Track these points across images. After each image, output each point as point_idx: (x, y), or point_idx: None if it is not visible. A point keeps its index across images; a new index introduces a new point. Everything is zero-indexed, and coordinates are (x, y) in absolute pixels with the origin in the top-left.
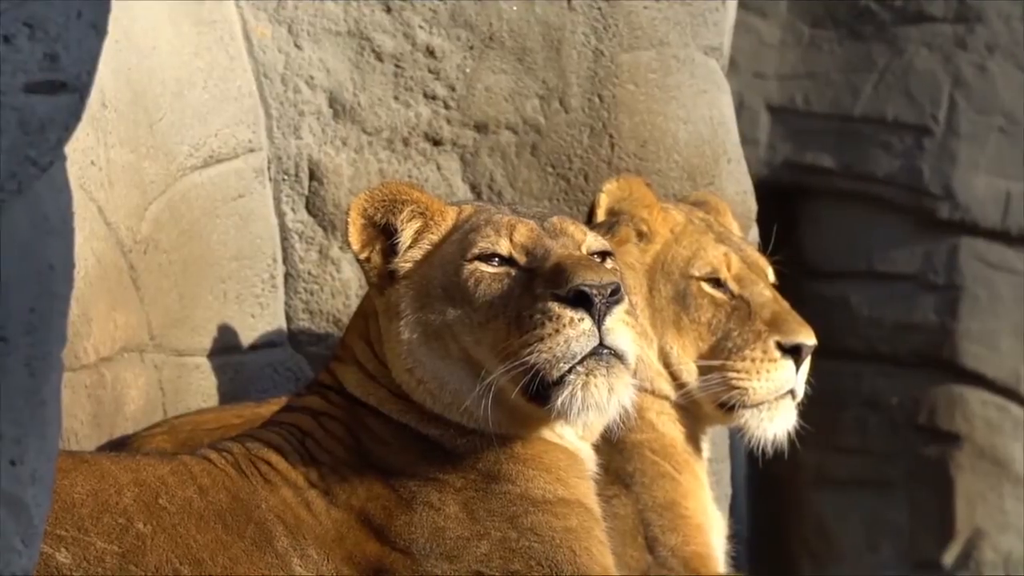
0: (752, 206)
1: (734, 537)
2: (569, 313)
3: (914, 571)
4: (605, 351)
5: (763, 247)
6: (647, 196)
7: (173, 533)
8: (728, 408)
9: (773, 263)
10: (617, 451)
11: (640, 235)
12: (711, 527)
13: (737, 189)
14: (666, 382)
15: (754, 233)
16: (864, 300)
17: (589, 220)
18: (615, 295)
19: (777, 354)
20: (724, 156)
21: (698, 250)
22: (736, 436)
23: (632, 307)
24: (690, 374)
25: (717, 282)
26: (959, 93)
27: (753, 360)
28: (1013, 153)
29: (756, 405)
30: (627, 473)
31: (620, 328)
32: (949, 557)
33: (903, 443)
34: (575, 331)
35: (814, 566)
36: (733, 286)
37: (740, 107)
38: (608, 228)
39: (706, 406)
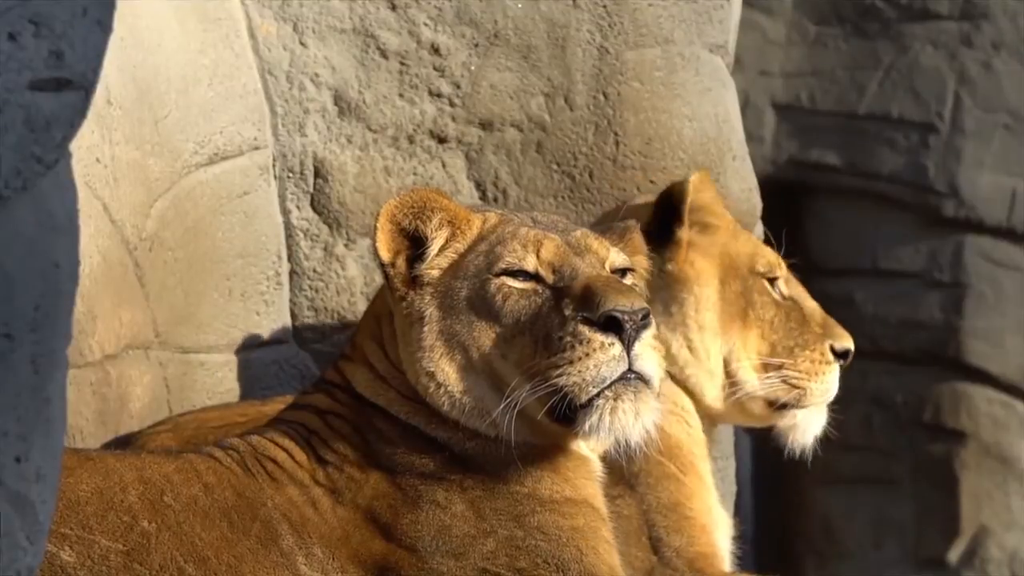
0: (757, 203)
1: (740, 538)
2: (600, 338)
3: (919, 569)
4: (633, 376)
5: (768, 245)
6: (713, 188)
7: (178, 531)
8: (778, 408)
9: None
10: None
11: (704, 227)
12: (716, 528)
13: (742, 186)
14: (714, 385)
15: (759, 231)
16: (869, 298)
17: (675, 214)
18: (645, 320)
19: (831, 357)
20: (729, 153)
21: (756, 247)
22: (740, 433)
23: (657, 331)
24: (746, 373)
25: (773, 281)
26: (964, 90)
27: (813, 362)
28: (1018, 150)
29: (807, 407)
30: (632, 473)
31: (648, 353)
32: (954, 555)
33: (908, 441)
34: (605, 356)
35: (819, 564)
36: (783, 287)
37: (745, 105)
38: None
39: (755, 406)
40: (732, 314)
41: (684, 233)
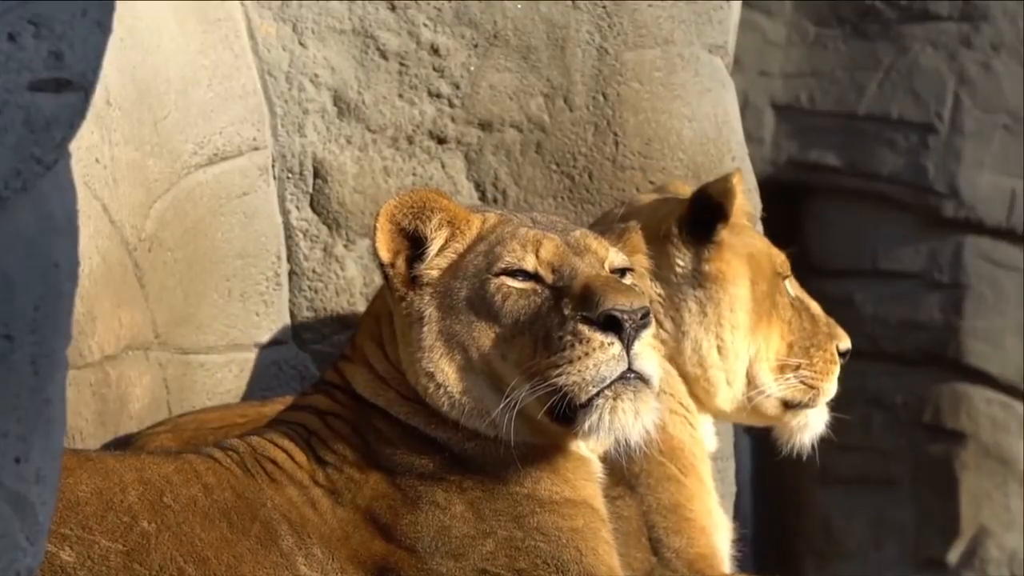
0: (757, 204)
1: (740, 540)
2: (599, 337)
3: (919, 569)
4: (632, 375)
5: None
6: (743, 188)
7: (178, 531)
8: (791, 408)
9: None
10: None
11: (732, 227)
12: (716, 530)
13: (742, 187)
14: (732, 387)
15: (759, 231)
16: (869, 298)
17: (719, 213)
18: (644, 319)
19: (837, 357)
20: (729, 154)
21: (770, 247)
22: (740, 434)
23: (657, 331)
24: (765, 374)
25: (783, 281)
26: (964, 91)
27: (826, 362)
28: (1018, 151)
29: (817, 407)
30: (633, 474)
31: (647, 353)
32: (954, 555)
33: (908, 441)
34: (605, 355)
35: (818, 564)
36: (789, 287)
37: (745, 105)
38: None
39: (771, 407)
40: (760, 315)
41: (726, 232)
